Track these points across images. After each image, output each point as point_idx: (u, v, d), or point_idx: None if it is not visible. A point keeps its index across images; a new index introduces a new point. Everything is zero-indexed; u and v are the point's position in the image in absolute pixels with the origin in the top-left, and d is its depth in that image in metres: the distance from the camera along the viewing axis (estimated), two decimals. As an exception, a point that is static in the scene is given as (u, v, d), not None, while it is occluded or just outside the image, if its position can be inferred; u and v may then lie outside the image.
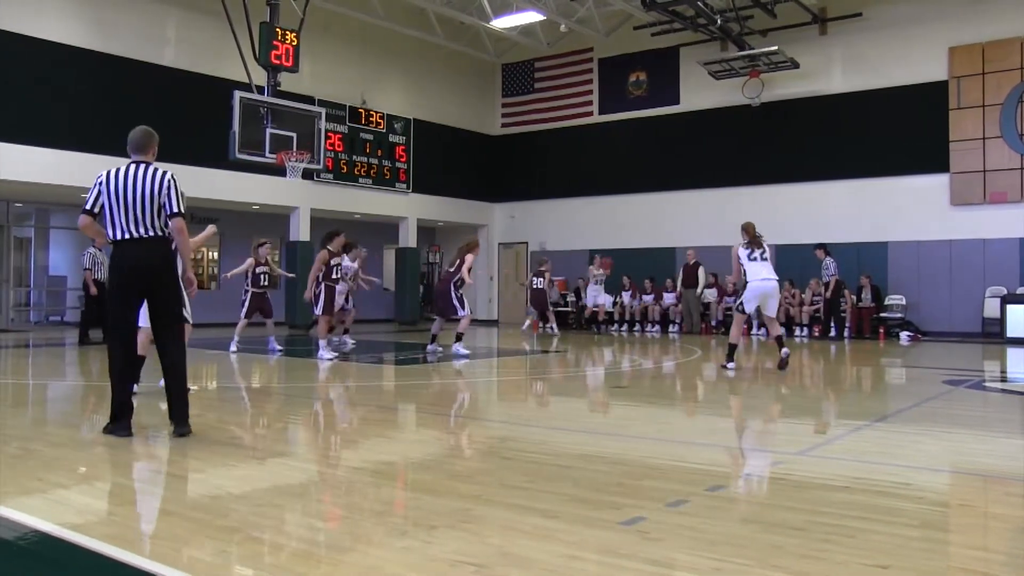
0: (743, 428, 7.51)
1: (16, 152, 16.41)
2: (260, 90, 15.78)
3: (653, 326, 22.26)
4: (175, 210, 6.17)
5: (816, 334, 19.66)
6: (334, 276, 13.20)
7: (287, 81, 16.44)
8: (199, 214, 22.31)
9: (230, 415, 7.91)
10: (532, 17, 22.50)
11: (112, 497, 4.49)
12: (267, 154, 15.50)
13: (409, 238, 24.24)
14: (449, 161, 25.09)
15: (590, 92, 25.25)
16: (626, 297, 22.87)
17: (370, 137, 23.08)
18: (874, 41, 20.58)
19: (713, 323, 21.46)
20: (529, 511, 4.17)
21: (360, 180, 22.80)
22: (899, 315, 19.76)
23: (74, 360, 13.41)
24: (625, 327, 22.70)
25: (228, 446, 6.30)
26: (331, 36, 21.73)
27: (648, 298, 22.46)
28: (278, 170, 16.32)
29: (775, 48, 20.34)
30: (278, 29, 15.70)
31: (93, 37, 17.75)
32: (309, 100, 19.20)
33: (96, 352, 14.30)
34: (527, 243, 26.19)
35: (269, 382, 10.73)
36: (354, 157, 22.65)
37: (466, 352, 13.80)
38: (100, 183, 6.20)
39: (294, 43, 15.85)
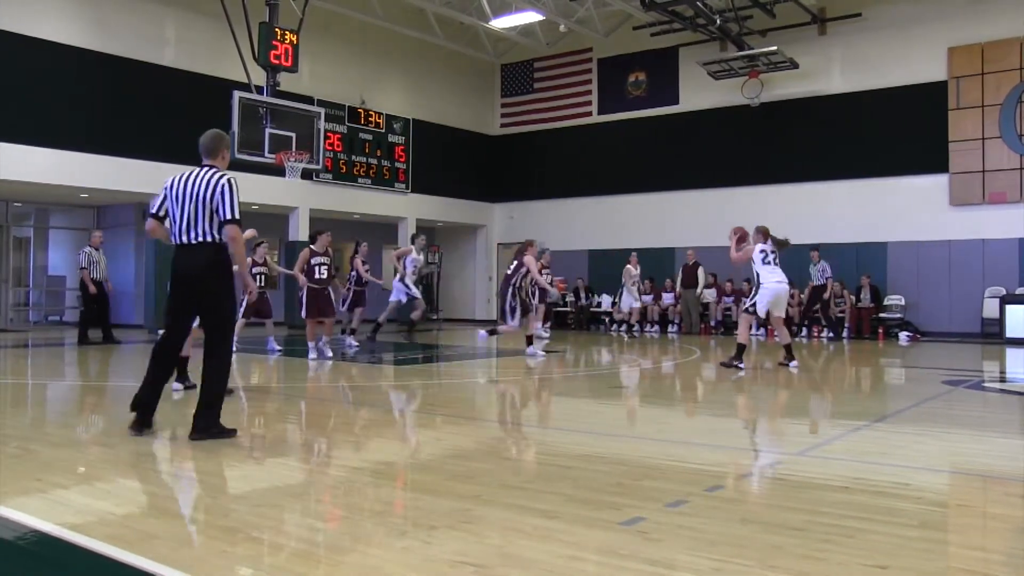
0: (742, 428, 7.52)
1: (16, 152, 16.39)
2: (259, 90, 15.77)
3: (652, 326, 22.26)
4: (228, 216, 6.05)
5: (818, 334, 19.66)
6: (316, 276, 13.06)
7: (286, 81, 16.42)
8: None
9: (229, 415, 7.90)
10: (531, 17, 22.50)
11: (112, 497, 4.49)
12: (266, 154, 15.48)
13: (408, 238, 24.21)
14: (448, 161, 25.09)
15: (589, 92, 25.25)
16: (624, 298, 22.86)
17: (369, 137, 23.08)
18: (873, 41, 20.58)
19: (712, 323, 21.47)
20: (529, 511, 4.17)
21: (359, 180, 22.80)
22: (898, 315, 19.78)
23: (73, 360, 13.41)
24: (624, 327, 22.69)
25: (228, 446, 6.30)
26: (330, 36, 21.72)
27: (647, 298, 22.45)
28: (277, 170, 16.31)
29: (774, 48, 20.34)
30: (277, 29, 15.69)
31: (93, 37, 17.74)
32: (308, 100, 19.20)
33: (96, 352, 14.30)
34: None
35: (268, 382, 10.73)
36: (353, 157, 22.64)
37: (540, 354, 13.72)
38: (166, 187, 6.17)
39: (293, 43, 15.84)
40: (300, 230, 21.35)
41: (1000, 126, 19.00)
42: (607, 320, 23.24)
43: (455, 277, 27.00)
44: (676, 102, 23.54)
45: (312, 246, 13.11)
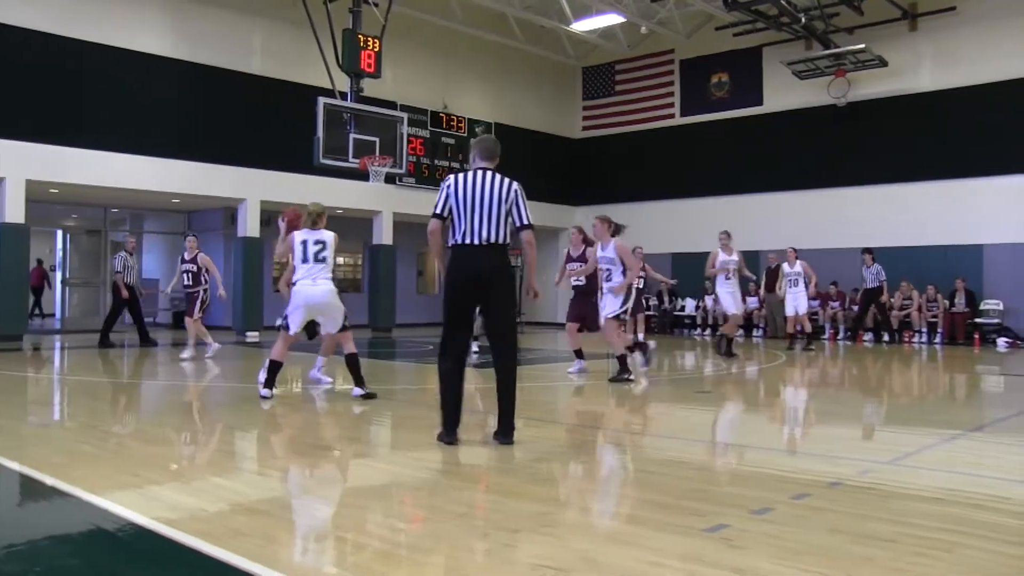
0: (829, 435, 7.35)
1: (115, 160, 16.97)
2: (343, 96, 16.01)
3: (736, 330, 21.93)
4: (526, 222, 6.20)
5: (909, 340, 19.16)
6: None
7: (369, 87, 16.64)
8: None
9: (315, 416, 8.03)
10: (612, 19, 22.40)
11: (202, 494, 4.59)
12: (350, 159, 15.71)
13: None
14: (530, 164, 25.03)
15: (671, 94, 25.02)
16: (709, 301, 22.61)
17: (451, 141, 23.24)
18: (967, 36, 19.95)
19: (798, 328, 21.04)
20: (610, 516, 4.14)
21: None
22: (996, 320, 19.11)
23: (166, 360, 13.76)
24: (708, 331, 22.45)
25: (313, 446, 6.40)
26: (412, 42, 21.93)
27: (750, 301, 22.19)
28: (361, 175, 16.51)
29: (862, 46, 19.88)
30: (360, 36, 15.92)
31: (184, 48, 18.23)
32: (391, 105, 19.40)
33: (172, 353, 14.65)
34: (608, 246, 26.07)
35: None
36: (436, 161, 22.82)
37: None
38: (448, 187, 6.17)
39: (376, 49, 16.05)
40: (383, 234, 21.61)
41: (1101, 123, 18.26)
42: (691, 323, 23.06)
43: (537, 281, 26.99)
44: (760, 103, 23.17)
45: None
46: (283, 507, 4.44)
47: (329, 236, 8.46)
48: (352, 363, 8.57)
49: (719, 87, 24.00)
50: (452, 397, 6.12)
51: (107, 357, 14.20)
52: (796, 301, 16.51)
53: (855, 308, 19.80)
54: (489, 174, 6.18)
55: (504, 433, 6.09)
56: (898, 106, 20.79)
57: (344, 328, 8.64)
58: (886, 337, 19.29)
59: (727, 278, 14.16)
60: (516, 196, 6.15)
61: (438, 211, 6.15)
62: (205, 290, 13.81)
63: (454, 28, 22.20)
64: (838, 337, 20.09)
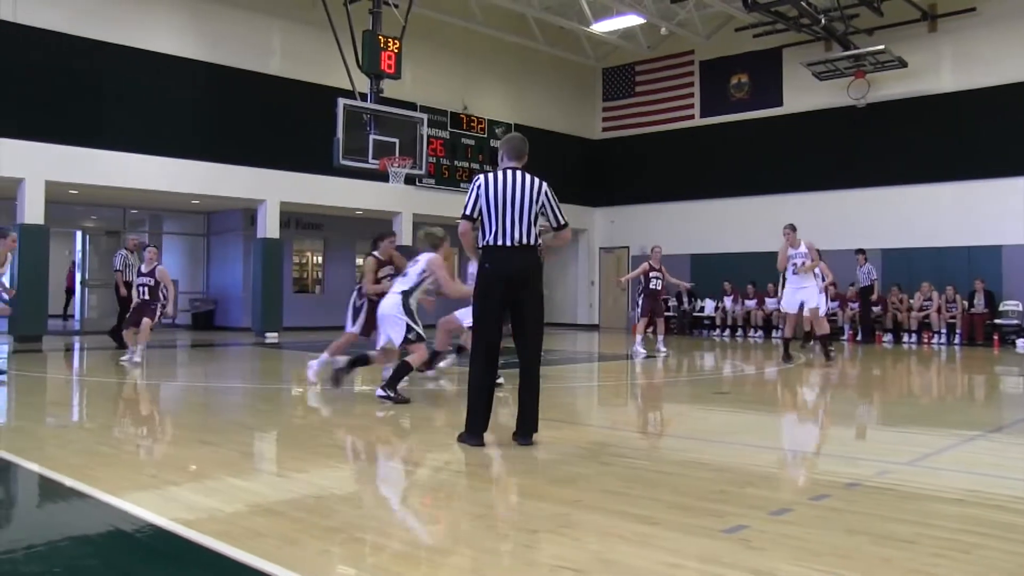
0: (849, 436, 7.32)
1: (133, 161, 17.08)
2: (363, 97, 16.06)
3: (756, 331, 21.90)
4: (563, 222, 6.24)
5: (928, 341, 19.05)
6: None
7: (389, 88, 16.69)
8: (304, 219, 22.87)
9: (333, 416, 8.06)
10: (632, 21, 22.38)
11: (220, 495, 4.62)
12: (370, 160, 15.75)
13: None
14: (550, 165, 24.88)
15: (691, 95, 24.97)
16: (728, 302, 22.57)
17: (471, 142, 23.27)
18: (987, 37, 19.81)
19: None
20: (630, 517, 4.13)
21: (462, 185, 22.97)
22: (1015, 321, 18.97)
23: (185, 361, 13.84)
24: (728, 332, 22.39)
25: (332, 447, 6.43)
26: (432, 43, 21.98)
27: (750, 303, 22.11)
28: (381, 176, 16.55)
29: (882, 47, 19.79)
30: (381, 37, 15.96)
31: (204, 49, 18.34)
32: (411, 106, 19.43)
33: (202, 353, 14.75)
34: (628, 247, 26.02)
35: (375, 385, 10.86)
36: (455, 162, 22.87)
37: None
38: (479, 187, 6.12)
39: (396, 50, 16.08)
40: (404, 235, 21.65)
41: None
42: (712, 323, 23.01)
43: (557, 282, 26.94)
44: (780, 104, 23.10)
45: (375, 253, 10.18)
46: (301, 508, 4.46)
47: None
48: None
49: (739, 88, 23.93)
50: (483, 400, 6.07)
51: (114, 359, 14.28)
52: (803, 294, 13.41)
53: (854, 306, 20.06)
54: (519, 174, 6.16)
55: (524, 434, 6.08)
56: (917, 107, 20.67)
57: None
58: (895, 337, 19.23)
59: (794, 273, 13.38)
60: (547, 196, 6.14)
61: (468, 212, 6.11)
62: (163, 306, 12.97)
63: (474, 29, 22.23)
64: (857, 338, 19.99)
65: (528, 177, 6.16)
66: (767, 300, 21.74)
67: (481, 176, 6.15)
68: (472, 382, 6.11)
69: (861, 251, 19.39)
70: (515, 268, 6.04)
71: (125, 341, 13.03)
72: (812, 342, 16.30)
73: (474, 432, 6.03)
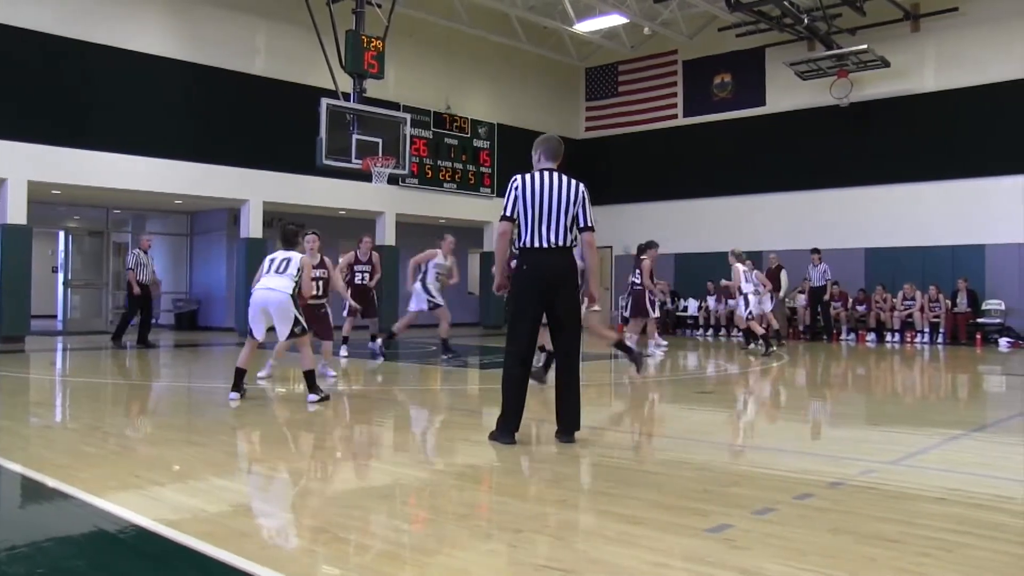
0: (832, 435, 7.35)
1: (116, 160, 16.97)
2: (346, 97, 16.01)
3: (739, 331, 21.93)
4: (589, 224, 6.17)
5: (911, 340, 19.16)
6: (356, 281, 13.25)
7: (373, 88, 16.63)
8: (287, 219, 22.78)
9: (319, 417, 8.03)
10: (615, 20, 22.39)
11: (204, 495, 4.60)
12: (353, 160, 15.70)
13: (494, 242, 24.25)
14: (533, 166, 25.05)
15: (674, 95, 25.02)
16: (711, 302, 22.62)
17: (454, 142, 23.25)
18: (970, 37, 19.93)
19: (801, 328, 21.08)
20: (614, 517, 4.14)
21: (445, 185, 22.97)
22: (998, 320, 19.09)
23: (169, 362, 13.77)
24: (711, 332, 22.45)
25: (317, 448, 6.41)
26: (416, 43, 21.94)
27: (733, 302, 22.15)
28: (364, 176, 16.50)
29: (864, 47, 19.88)
30: (364, 36, 15.91)
31: (186, 48, 18.24)
32: (394, 106, 19.38)
33: (188, 354, 14.68)
34: (611, 247, 26.05)
35: (367, 385, 10.84)
36: (439, 162, 22.83)
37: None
38: (516, 188, 6.12)
39: (379, 50, 16.04)
40: (387, 235, 21.63)
41: (1105, 123, 18.22)
42: (693, 323, 23.08)
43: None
44: (763, 103, 23.17)
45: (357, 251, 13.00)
46: (286, 508, 4.44)
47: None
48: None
49: (722, 88, 24.00)
50: (516, 400, 6.06)
51: (105, 358, 14.20)
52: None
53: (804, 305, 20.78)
54: (556, 175, 6.16)
55: (567, 432, 6.08)
56: (900, 107, 20.78)
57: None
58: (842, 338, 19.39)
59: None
60: (583, 198, 6.15)
61: (507, 213, 6.10)
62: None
63: (457, 29, 22.21)
64: (840, 337, 20.09)
65: (565, 178, 6.15)
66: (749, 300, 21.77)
67: (518, 177, 6.14)
68: (506, 382, 6.10)
69: (816, 251, 19.68)
70: (553, 270, 6.03)
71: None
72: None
73: (505, 431, 6.03)
